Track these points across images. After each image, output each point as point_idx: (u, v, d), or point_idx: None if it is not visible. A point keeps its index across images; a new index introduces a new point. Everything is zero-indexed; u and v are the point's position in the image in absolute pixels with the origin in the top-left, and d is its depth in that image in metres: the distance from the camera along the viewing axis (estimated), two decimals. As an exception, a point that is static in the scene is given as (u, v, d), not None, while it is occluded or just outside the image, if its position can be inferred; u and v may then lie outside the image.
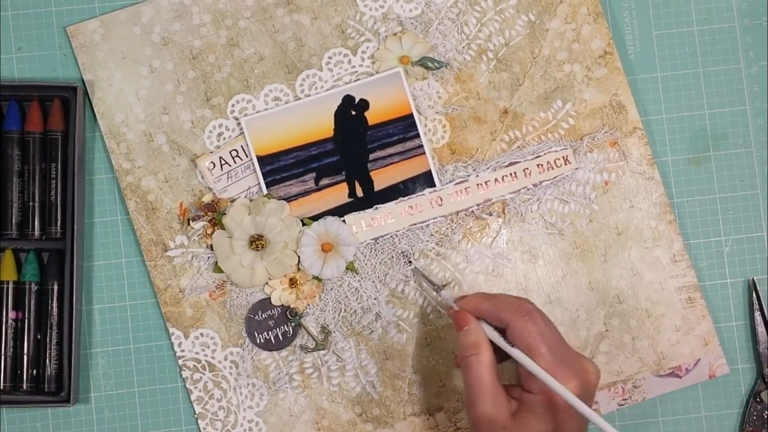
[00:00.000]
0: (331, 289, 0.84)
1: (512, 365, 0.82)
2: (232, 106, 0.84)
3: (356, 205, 0.84)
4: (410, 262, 0.83)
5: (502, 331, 0.75)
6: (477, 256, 0.84)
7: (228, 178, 0.84)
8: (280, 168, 0.84)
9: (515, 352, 0.73)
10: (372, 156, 0.84)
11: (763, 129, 0.86)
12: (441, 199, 0.84)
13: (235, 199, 0.83)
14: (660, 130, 0.86)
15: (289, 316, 0.83)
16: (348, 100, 0.84)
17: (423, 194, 0.84)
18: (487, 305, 0.76)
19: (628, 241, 0.85)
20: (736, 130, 0.86)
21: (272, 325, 0.84)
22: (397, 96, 0.84)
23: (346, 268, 0.83)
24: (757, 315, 0.85)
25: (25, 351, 0.82)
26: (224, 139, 0.84)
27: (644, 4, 0.86)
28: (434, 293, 0.82)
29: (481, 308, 0.76)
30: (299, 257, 0.83)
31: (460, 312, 0.77)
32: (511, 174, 0.84)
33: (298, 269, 0.83)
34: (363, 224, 0.84)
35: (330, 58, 0.84)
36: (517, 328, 0.73)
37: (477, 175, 0.84)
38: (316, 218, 0.83)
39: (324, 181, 0.84)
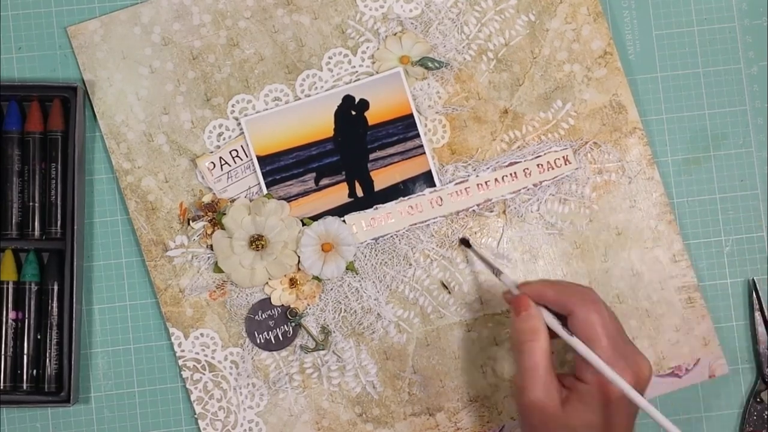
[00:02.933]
0: (331, 289, 0.84)
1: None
2: (232, 106, 0.84)
3: (356, 205, 0.84)
4: (468, 244, 0.83)
5: (563, 319, 0.74)
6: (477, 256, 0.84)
7: (228, 178, 0.84)
8: (280, 168, 0.84)
9: (574, 341, 0.73)
10: (372, 156, 0.84)
11: (763, 129, 0.86)
12: (441, 199, 0.84)
13: (235, 199, 0.83)
14: (660, 130, 0.86)
15: (289, 316, 0.83)
16: (348, 100, 0.84)
17: (423, 194, 0.84)
18: (551, 291, 0.75)
19: (628, 241, 0.85)
20: (736, 130, 0.86)
21: (272, 325, 0.84)
22: (397, 96, 0.84)
23: (347, 268, 0.83)
24: (757, 315, 0.85)
25: (25, 351, 0.82)
26: (224, 139, 0.84)
27: (644, 4, 0.86)
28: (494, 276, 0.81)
29: (545, 294, 0.75)
30: (299, 257, 0.83)
31: (521, 296, 0.76)
32: (511, 174, 0.84)
33: (298, 269, 0.83)
34: (363, 224, 0.84)
35: (330, 58, 0.84)
36: (580, 318, 0.73)
37: (477, 175, 0.84)
38: (316, 218, 0.84)
39: (324, 181, 0.84)
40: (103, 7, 0.85)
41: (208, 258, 0.83)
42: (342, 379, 0.84)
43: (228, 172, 0.84)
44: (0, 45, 0.85)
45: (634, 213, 0.85)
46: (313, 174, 0.84)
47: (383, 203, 0.84)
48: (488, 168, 0.84)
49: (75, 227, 0.81)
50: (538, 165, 0.84)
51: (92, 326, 0.84)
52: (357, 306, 0.84)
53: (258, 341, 0.83)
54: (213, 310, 0.84)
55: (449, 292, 0.84)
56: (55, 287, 0.82)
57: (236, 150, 0.84)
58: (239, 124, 0.84)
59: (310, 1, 0.84)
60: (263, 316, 0.83)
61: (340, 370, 0.84)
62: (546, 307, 0.75)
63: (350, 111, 0.84)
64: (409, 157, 0.84)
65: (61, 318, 0.82)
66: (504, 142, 0.85)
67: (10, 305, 0.82)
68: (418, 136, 0.84)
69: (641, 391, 0.73)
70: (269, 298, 0.83)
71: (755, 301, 0.85)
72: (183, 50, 0.84)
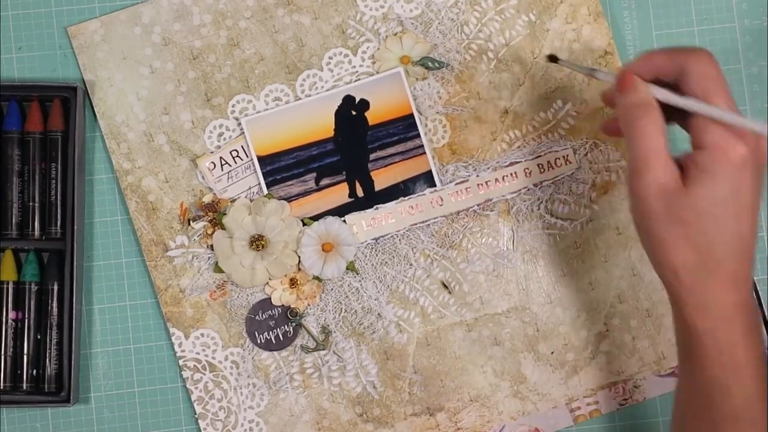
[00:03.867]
0: (332, 289, 0.84)
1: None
2: (233, 106, 0.84)
3: (357, 205, 0.84)
4: (556, 59, 0.78)
5: (674, 88, 0.69)
6: (477, 256, 0.84)
7: (228, 178, 0.84)
8: (281, 168, 0.84)
9: (689, 103, 0.67)
10: (372, 156, 0.84)
11: (763, 129, 0.86)
12: (441, 199, 0.84)
13: (235, 199, 0.83)
14: (660, 130, 0.86)
15: (290, 316, 0.83)
16: (348, 100, 0.84)
17: (423, 194, 0.84)
18: (659, 55, 0.69)
19: (628, 241, 0.85)
20: (736, 130, 0.86)
21: (273, 326, 0.84)
22: (397, 96, 0.84)
23: (347, 268, 0.83)
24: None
25: (25, 351, 0.82)
26: (225, 139, 0.84)
27: (644, 4, 0.86)
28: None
29: (652, 61, 0.69)
30: (300, 257, 0.83)
31: (625, 73, 0.70)
32: (511, 174, 0.84)
33: (299, 269, 0.83)
34: (363, 224, 0.84)
35: (330, 58, 0.84)
36: (695, 72, 0.67)
37: (477, 175, 0.84)
38: (316, 218, 0.83)
39: (324, 181, 0.84)
40: (103, 7, 0.85)
41: (209, 258, 0.83)
42: (342, 379, 0.84)
43: (228, 172, 0.84)
44: (0, 45, 0.85)
45: (634, 213, 0.85)
46: (314, 174, 0.84)
47: (384, 203, 0.84)
48: (489, 168, 0.84)
49: (75, 227, 0.81)
50: (538, 165, 0.84)
51: (92, 326, 0.84)
52: (357, 306, 0.84)
53: (258, 341, 0.83)
54: (213, 310, 0.84)
55: (450, 292, 0.84)
56: (55, 287, 0.82)
57: (237, 150, 0.84)
58: (239, 124, 0.84)
59: (311, 1, 0.84)
60: (264, 316, 0.83)
61: (341, 370, 0.84)
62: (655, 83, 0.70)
63: (351, 111, 0.84)
64: (410, 157, 0.84)
65: (61, 318, 0.82)
66: (504, 142, 0.85)
67: (10, 305, 0.82)
68: (418, 136, 0.84)
69: (760, 157, 0.67)
70: (270, 298, 0.83)
71: (755, 301, 0.85)
72: (183, 50, 0.84)
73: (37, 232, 0.82)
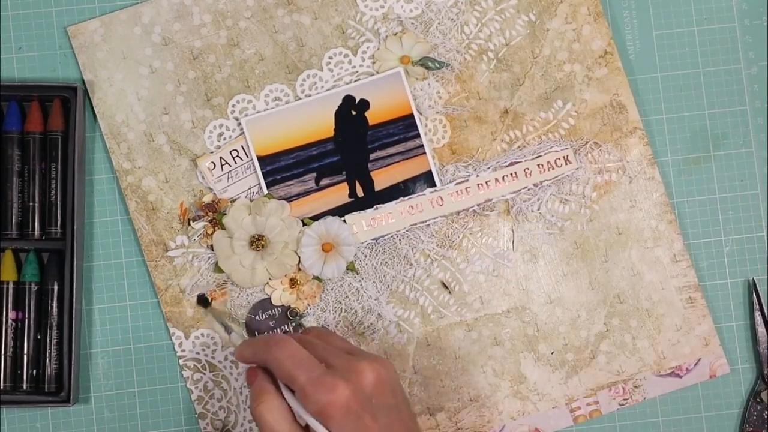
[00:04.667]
0: (332, 289, 0.84)
1: None
2: (233, 106, 0.84)
3: (357, 205, 0.84)
4: (207, 303, 0.83)
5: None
6: (477, 256, 0.84)
7: (228, 178, 0.84)
8: (281, 168, 0.84)
9: (290, 401, 0.71)
10: (372, 156, 0.84)
11: (763, 129, 0.86)
12: (441, 199, 0.84)
13: (235, 199, 0.83)
14: (660, 130, 0.86)
15: (290, 316, 0.83)
16: (348, 100, 0.84)
17: (423, 194, 0.84)
18: (248, 353, 0.74)
19: (628, 241, 0.85)
20: (736, 130, 0.86)
21: (273, 325, 0.84)
22: (397, 96, 0.84)
23: (347, 268, 0.83)
24: (758, 315, 0.85)
25: (25, 351, 0.82)
26: (225, 139, 0.84)
27: (644, 4, 0.86)
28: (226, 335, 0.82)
29: (245, 356, 0.74)
30: (300, 257, 0.83)
31: (249, 369, 0.74)
32: (511, 174, 0.84)
33: (299, 269, 0.83)
34: (363, 224, 0.84)
35: (330, 58, 0.84)
36: (271, 364, 0.71)
37: (477, 175, 0.84)
38: (316, 218, 0.83)
39: (324, 181, 0.84)
40: (103, 7, 0.85)
41: (209, 258, 0.83)
42: (342, 379, 0.84)
43: (228, 172, 0.84)
44: (0, 45, 0.85)
45: (634, 213, 0.85)
46: (314, 174, 0.84)
47: (384, 203, 0.84)
48: (489, 168, 0.84)
49: (75, 227, 0.81)
50: (538, 165, 0.84)
51: (92, 326, 0.84)
52: (357, 306, 0.84)
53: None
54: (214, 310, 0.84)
55: (450, 292, 0.84)
56: (55, 287, 0.82)
57: (237, 150, 0.84)
58: (239, 124, 0.84)
59: (311, 1, 0.84)
60: (264, 316, 0.83)
61: (341, 370, 0.84)
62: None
63: (351, 111, 0.84)
64: (410, 157, 0.84)
65: (61, 318, 0.82)
66: (504, 142, 0.85)
67: (10, 305, 0.82)
68: (418, 136, 0.84)
69: (368, 396, 0.70)
70: (270, 298, 0.83)
71: (755, 301, 0.85)
72: (183, 50, 0.84)
73: (37, 232, 0.82)
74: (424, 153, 0.84)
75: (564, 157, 0.85)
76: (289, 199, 0.84)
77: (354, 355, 0.73)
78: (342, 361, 0.71)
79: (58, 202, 0.82)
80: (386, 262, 0.84)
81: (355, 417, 0.69)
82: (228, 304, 0.84)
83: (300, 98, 0.84)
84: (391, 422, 0.70)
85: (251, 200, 0.83)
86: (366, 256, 0.84)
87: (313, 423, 0.69)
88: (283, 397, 0.71)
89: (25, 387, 0.82)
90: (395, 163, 0.84)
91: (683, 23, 0.86)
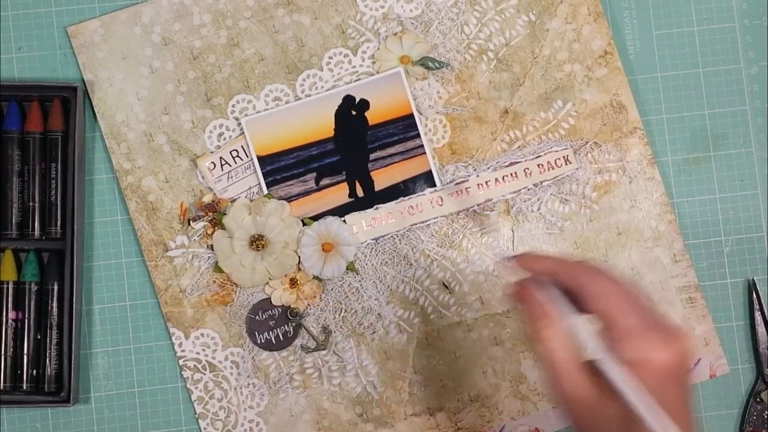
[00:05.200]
0: (332, 289, 0.84)
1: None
2: (233, 106, 0.84)
3: (357, 205, 0.84)
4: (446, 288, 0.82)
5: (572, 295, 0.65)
6: (477, 256, 0.84)
7: (228, 178, 0.84)
8: (281, 168, 0.84)
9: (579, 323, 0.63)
10: (372, 156, 0.84)
11: (763, 129, 0.86)
12: (441, 199, 0.84)
13: (235, 199, 0.83)
14: (660, 130, 0.86)
15: (290, 316, 0.83)
16: (348, 100, 0.84)
17: (423, 194, 0.84)
18: (548, 264, 0.66)
19: (628, 241, 0.85)
20: (736, 130, 0.86)
21: (273, 325, 0.84)
22: (397, 96, 0.84)
23: (347, 268, 0.83)
24: (757, 315, 0.85)
25: (25, 351, 0.82)
26: (225, 139, 0.84)
27: (644, 4, 0.86)
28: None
29: (538, 267, 0.66)
30: (300, 257, 0.83)
31: (522, 286, 0.66)
32: (511, 174, 0.84)
33: (299, 269, 0.83)
34: (363, 224, 0.84)
35: (330, 58, 0.84)
36: (590, 291, 0.63)
37: (477, 175, 0.84)
38: (316, 218, 0.83)
39: (324, 181, 0.84)
40: (103, 7, 0.85)
41: (209, 258, 0.83)
42: (342, 379, 0.84)
43: (228, 172, 0.84)
44: (0, 45, 0.85)
45: (634, 213, 0.85)
46: (314, 174, 0.84)
47: (384, 203, 0.84)
48: (489, 168, 0.84)
49: (75, 227, 0.81)
50: (538, 165, 0.84)
51: (92, 326, 0.84)
52: (357, 306, 0.84)
53: (258, 341, 0.83)
54: (213, 310, 0.84)
55: (450, 292, 0.84)
56: (55, 287, 0.82)
57: (237, 150, 0.84)
58: (239, 124, 0.84)
59: (311, 1, 0.84)
60: (264, 316, 0.83)
61: (341, 370, 0.84)
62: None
63: (351, 111, 0.84)
64: (410, 157, 0.84)
65: (61, 318, 0.82)
66: (504, 142, 0.85)
67: (10, 305, 0.82)
68: (418, 136, 0.84)
69: (686, 364, 0.62)
70: (270, 298, 0.83)
71: (755, 301, 0.85)
72: (183, 50, 0.84)
73: (37, 232, 0.82)
74: (424, 153, 0.84)
75: (564, 157, 0.85)
76: (289, 199, 0.84)
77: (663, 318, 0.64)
78: (664, 321, 0.63)
79: (58, 202, 0.82)
80: (386, 262, 0.84)
81: (672, 388, 0.61)
82: (228, 303, 0.84)
83: (300, 98, 0.84)
84: (688, 412, 0.62)
85: (251, 200, 0.83)
86: (366, 256, 0.84)
87: (613, 370, 0.61)
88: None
89: (25, 387, 0.82)
90: (395, 163, 0.84)
91: (683, 23, 0.86)
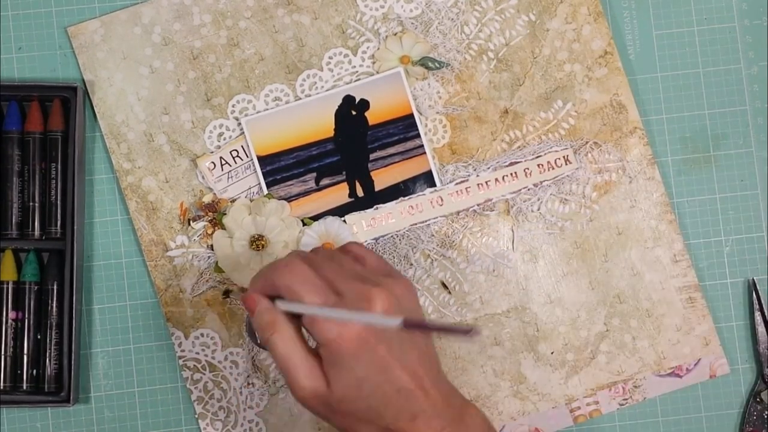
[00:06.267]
0: (332, 289, 0.84)
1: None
2: (233, 106, 0.84)
3: (357, 205, 0.84)
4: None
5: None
6: (477, 256, 0.84)
7: (228, 178, 0.84)
8: (281, 168, 0.84)
9: (294, 306, 0.68)
10: (372, 156, 0.84)
11: (763, 129, 0.86)
12: (441, 199, 0.84)
13: (235, 199, 0.83)
14: (660, 130, 0.86)
15: (290, 316, 0.83)
16: (348, 100, 0.84)
17: (423, 194, 0.84)
18: (260, 281, 0.70)
19: (628, 241, 0.85)
20: (736, 130, 0.86)
21: (273, 325, 0.83)
22: (397, 96, 0.84)
23: (347, 268, 0.83)
24: (758, 315, 0.85)
25: (25, 351, 0.82)
26: (225, 139, 0.84)
27: (644, 4, 0.86)
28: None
29: (257, 286, 0.71)
30: (300, 257, 0.83)
31: (247, 296, 0.71)
32: (511, 174, 0.84)
33: (299, 269, 0.83)
34: (363, 224, 0.84)
35: (330, 58, 0.84)
36: (281, 290, 0.68)
37: (477, 175, 0.84)
38: (316, 218, 0.83)
39: (324, 181, 0.84)
40: (103, 7, 0.85)
41: (209, 258, 0.83)
42: (342, 379, 0.84)
43: (228, 172, 0.84)
44: (0, 45, 0.85)
45: (634, 213, 0.85)
46: (314, 174, 0.84)
47: (384, 203, 0.84)
48: (489, 168, 0.84)
49: (75, 227, 0.81)
50: (538, 165, 0.84)
51: (92, 326, 0.84)
52: (357, 306, 0.84)
53: (259, 341, 0.83)
54: (213, 310, 0.84)
55: (449, 292, 0.84)
56: (55, 287, 0.82)
57: (237, 150, 0.84)
58: (239, 124, 0.84)
59: (311, 1, 0.84)
60: (264, 316, 0.83)
61: (341, 370, 0.84)
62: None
63: (351, 111, 0.84)
64: (410, 157, 0.84)
65: (61, 318, 0.82)
66: (504, 142, 0.85)
67: (9, 305, 0.82)
68: (418, 136, 0.84)
69: (399, 310, 0.67)
70: (270, 298, 0.83)
71: (755, 301, 0.85)
72: (183, 50, 0.84)
73: (37, 232, 0.82)
74: (424, 153, 0.84)
75: (564, 157, 0.85)
76: (289, 199, 0.84)
77: (365, 279, 0.69)
78: (352, 287, 0.68)
79: (58, 202, 0.82)
80: (386, 262, 0.84)
81: (369, 349, 0.66)
82: (228, 304, 0.84)
83: (300, 98, 0.84)
84: (406, 351, 0.67)
85: (251, 200, 0.83)
86: (366, 256, 0.84)
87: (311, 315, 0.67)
88: (293, 323, 0.69)
89: (25, 387, 0.82)
90: (395, 163, 0.84)
91: (683, 23, 0.86)
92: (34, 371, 0.82)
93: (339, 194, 0.84)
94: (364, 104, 0.84)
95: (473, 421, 0.69)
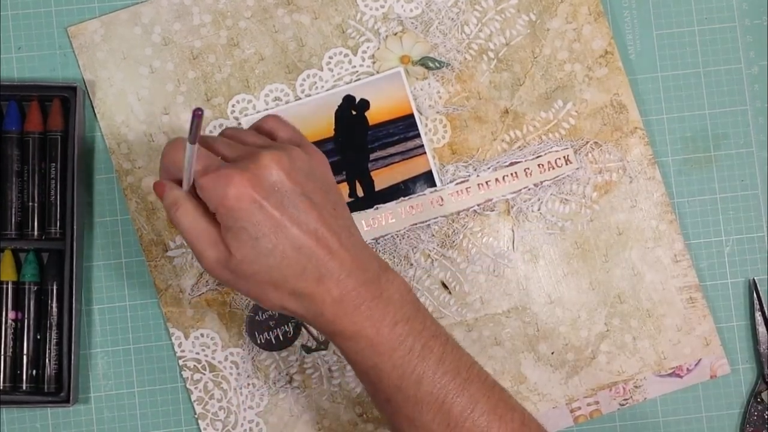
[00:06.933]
0: (332, 289, 0.84)
1: None
2: (233, 106, 0.84)
3: (357, 204, 0.84)
4: None
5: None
6: (477, 256, 0.84)
7: (228, 178, 0.84)
8: (281, 168, 0.84)
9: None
10: (372, 156, 0.84)
11: (763, 129, 0.86)
12: (442, 199, 0.84)
13: (235, 199, 0.83)
14: (660, 130, 0.86)
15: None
16: (348, 100, 0.84)
17: (424, 194, 0.84)
18: (160, 169, 0.72)
19: (629, 241, 0.85)
20: (736, 130, 0.86)
21: (273, 326, 0.83)
22: (397, 96, 0.84)
23: (347, 268, 0.83)
24: (758, 315, 0.85)
25: (25, 351, 0.82)
26: (224, 139, 0.84)
27: (645, 4, 0.86)
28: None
29: (161, 173, 0.72)
30: (300, 257, 0.83)
31: (155, 184, 0.71)
32: (512, 174, 0.84)
33: (299, 269, 0.83)
34: (363, 224, 0.84)
35: (330, 58, 0.84)
36: (170, 162, 0.70)
37: (478, 175, 0.84)
38: (316, 218, 0.83)
39: (324, 181, 0.84)
40: (103, 7, 0.85)
41: (209, 258, 0.83)
42: (342, 379, 0.84)
43: (228, 172, 0.84)
44: (0, 45, 0.85)
45: (635, 213, 0.85)
46: (314, 174, 0.84)
47: (384, 203, 0.84)
48: (489, 168, 0.84)
49: (75, 227, 0.81)
50: (538, 165, 0.84)
51: (92, 326, 0.84)
52: (357, 306, 0.84)
53: (258, 341, 0.83)
54: (213, 310, 0.84)
55: (450, 292, 0.84)
56: (55, 287, 0.82)
57: (236, 150, 0.84)
58: (240, 124, 0.84)
59: (311, 1, 0.84)
60: (264, 316, 0.83)
61: (341, 370, 0.84)
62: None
63: (351, 111, 0.84)
64: (410, 157, 0.84)
65: (61, 318, 0.82)
66: (505, 141, 0.85)
67: (9, 305, 0.82)
68: (418, 135, 0.84)
69: (276, 182, 0.67)
70: (270, 298, 0.83)
71: (756, 301, 0.85)
72: (183, 50, 0.84)
73: (36, 232, 0.82)
74: (424, 153, 0.84)
75: (564, 157, 0.85)
76: (289, 199, 0.83)
77: (264, 147, 0.69)
78: (242, 153, 0.69)
79: (58, 202, 0.82)
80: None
81: (257, 207, 0.66)
82: (228, 303, 0.84)
83: (300, 98, 0.84)
84: (302, 210, 0.67)
85: (251, 200, 0.83)
86: (366, 256, 0.84)
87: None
88: (199, 201, 0.69)
89: (24, 387, 0.82)
90: (395, 163, 0.84)
91: (684, 23, 0.86)
92: (34, 371, 0.82)
93: (339, 194, 0.84)
94: (365, 104, 0.84)
95: (390, 284, 0.69)
